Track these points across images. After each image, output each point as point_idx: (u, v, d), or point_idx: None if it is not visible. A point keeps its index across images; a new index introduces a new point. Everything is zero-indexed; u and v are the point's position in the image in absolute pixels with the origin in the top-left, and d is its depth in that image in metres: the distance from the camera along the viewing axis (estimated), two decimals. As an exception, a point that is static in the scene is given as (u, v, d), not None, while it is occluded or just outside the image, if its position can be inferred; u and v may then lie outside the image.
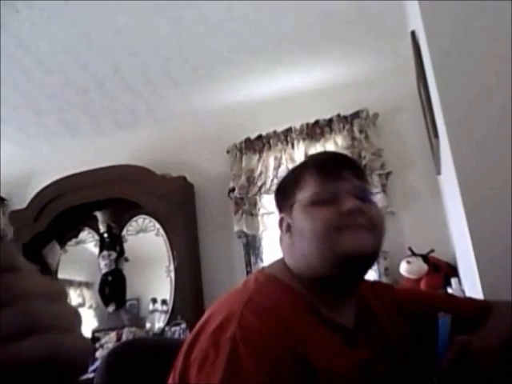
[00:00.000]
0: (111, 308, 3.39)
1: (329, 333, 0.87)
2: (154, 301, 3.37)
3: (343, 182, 0.92)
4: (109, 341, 3.20)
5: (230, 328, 0.78)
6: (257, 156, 3.41)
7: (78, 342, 0.31)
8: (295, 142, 3.32)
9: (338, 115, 3.26)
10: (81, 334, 0.32)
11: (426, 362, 0.91)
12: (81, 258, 3.65)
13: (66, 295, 0.32)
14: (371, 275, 2.63)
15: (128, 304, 3.42)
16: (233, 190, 3.37)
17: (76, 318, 0.32)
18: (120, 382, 1.04)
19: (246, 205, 3.34)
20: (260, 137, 3.41)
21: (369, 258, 0.91)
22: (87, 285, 3.58)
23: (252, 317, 0.80)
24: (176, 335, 3.02)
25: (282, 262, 0.98)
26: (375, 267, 2.92)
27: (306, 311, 0.88)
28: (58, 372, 0.29)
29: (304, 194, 0.92)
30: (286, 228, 0.95)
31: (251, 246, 3.42)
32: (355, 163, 1.01)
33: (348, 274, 0.92)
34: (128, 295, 3.45)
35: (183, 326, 3.05)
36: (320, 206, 0.90)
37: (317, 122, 3.30)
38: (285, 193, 0.98)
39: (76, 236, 3.67)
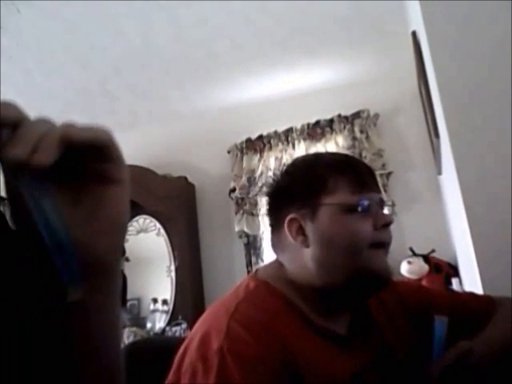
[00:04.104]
0: (112, 308, 3.39)
1: (320, 341, 0.85)
2: (155, 301, 3.37)
3: (374, 193, 0.91)
4: (110, 341, 3.20)
5: (218, 341, 0.77)
6: (257, 156, 3.41)
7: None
8: (296, 142, 3.32)
9: (339, 115, 3.26)
10: None
11: (425, 366, 0.89)
12: (82, 258, 3.64)
13: None
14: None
15: (129, 304, 3.42)
16: (234, 190, 3.38)
17: None
18: (127, 382, 1.03)
19: (246, 205, 3.34)
20: (261, 137, 3.41)
21: (389, 281, 0.91)
22: (88, 285, 3.58)
23: (239, 328, 0.78)
24: (177, 335, 3.02)
25: (276, 265, 0.94)
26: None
27: (297, 320, 0.85)
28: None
29: (334, 199, 0.87)
30: (298, 231, 0.89)
31: (252, 246, 3.42)
32: (374, 172, 0.99)
33: (366, 292, 0.91)
34: (129, 295, 3.44)
35: (184, 325, 3.06)
36: (353, 216, 0.86)
37: (318, 122, 3.30)
38: (300, 193, 0.90)
39: (77, 236, 3.66)
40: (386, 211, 0.94)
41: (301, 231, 0.89)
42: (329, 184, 0.88)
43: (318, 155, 1.06)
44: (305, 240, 0.88)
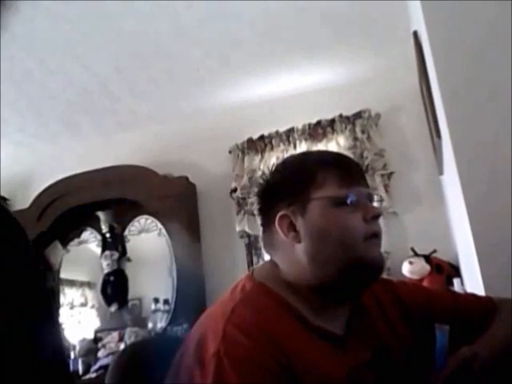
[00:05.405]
0: (113, 308, 3.39)
1: (317, 341, 0.85)
2: (156, 301, 3.36)
3: (362, 186, 0.92)
4: (111, 341, 3.21)
5: (214, 344, 0.76)
6: (259, 156, 3.40)
7: None
8: (297, 142, 3.31)
9: (340, 115, 3.25)
10: None
11: (425, 368, 0.88)
12: (83, 258, 3.64)
13: None
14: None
15: (130, 304, 3.42)
16: (235, 190, 3.37)
17: None
18: (129, 382, 1.02)
19: (247, 205, 3.34)
20: (262, 137, 3.40)
21: (382, 269, 0.91)
22: (89, 285, 3.58)
23: (236, 331, 0.78)
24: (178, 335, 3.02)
25: (271, 266, 0.94)
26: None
27: (293, 321, 0.85)
28: None
29: (323, 193, 0.88)
30: (289, 227, 0.89)
31: (253, 246, 3.41)
32: (362, 168, 1.01)
33: (360, 284, 0.91)
34: (130, 295, 3.44)
35: (185, 326, 3.05)
36: (343, 208, 0.87)
37: (319, 123, 3.29)
38: (289, 189, 0.91)
39: (78, 236, 3.66)
40: (374, 204, 0.95)
41: (292, 227, 0.89)
42: (317, 178, 0.89)
43: (306, 153, 1.08)
44: (296, 236, 0.89)
